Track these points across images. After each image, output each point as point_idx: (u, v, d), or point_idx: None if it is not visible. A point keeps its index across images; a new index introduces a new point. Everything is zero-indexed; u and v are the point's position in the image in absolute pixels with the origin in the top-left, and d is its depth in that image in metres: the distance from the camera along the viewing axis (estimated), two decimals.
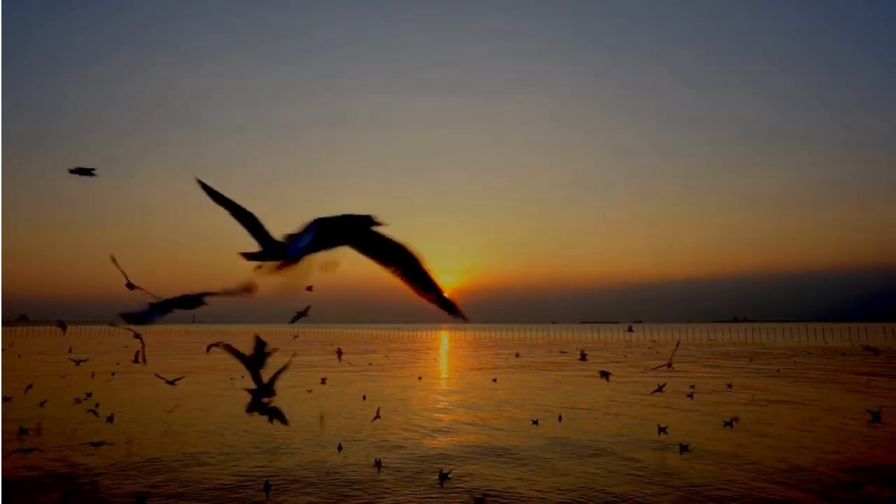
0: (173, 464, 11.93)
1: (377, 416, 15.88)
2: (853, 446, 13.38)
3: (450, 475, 10.80)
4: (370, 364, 39.72)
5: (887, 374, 30.56)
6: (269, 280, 2.60)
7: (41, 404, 18.53)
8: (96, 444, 13.18)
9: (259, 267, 2.62)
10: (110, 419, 16.48)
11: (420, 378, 29.66)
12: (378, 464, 11.57)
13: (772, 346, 61.81)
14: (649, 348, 57.64)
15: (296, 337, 63.77)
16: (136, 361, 12.79)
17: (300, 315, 8.51)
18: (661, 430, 14.73)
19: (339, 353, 21.91)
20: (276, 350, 4.38)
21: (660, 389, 17.02)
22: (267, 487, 10.13)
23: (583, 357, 21.82)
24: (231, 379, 26.54)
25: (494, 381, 27.44)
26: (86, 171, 6.82)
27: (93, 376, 27.92)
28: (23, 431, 14.85)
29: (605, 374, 17.00)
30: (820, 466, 11.59)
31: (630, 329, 47.42)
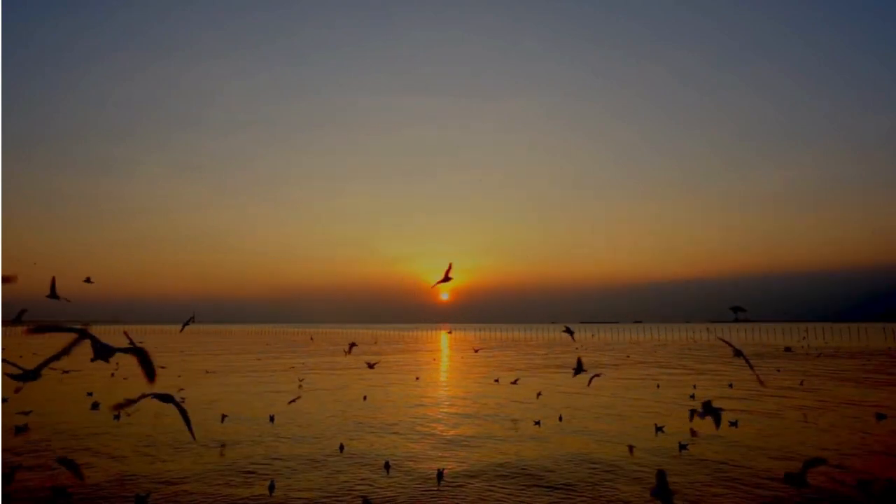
0: (175, 463, 11.86)
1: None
2: (855, 442, 13.34)
3: (444, 473, 10.77)
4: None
5: (887, 372, 30.58)
6: None
7: (29, 412, 17.35)
8: (98, 442, 13.11)
9: None
10: (116, 417, 16.46)
11: (417, 378, 29.62)
12: (387, 466, 11.50)
13: (772, 346, 61.87)
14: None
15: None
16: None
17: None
18: (659, 429, 14.68)
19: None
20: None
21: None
22: (271, 487, 10.06)
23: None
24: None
25: (496, 381, 27.36)
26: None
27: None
28: (20, 430, 14.80)
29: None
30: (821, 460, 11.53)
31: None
